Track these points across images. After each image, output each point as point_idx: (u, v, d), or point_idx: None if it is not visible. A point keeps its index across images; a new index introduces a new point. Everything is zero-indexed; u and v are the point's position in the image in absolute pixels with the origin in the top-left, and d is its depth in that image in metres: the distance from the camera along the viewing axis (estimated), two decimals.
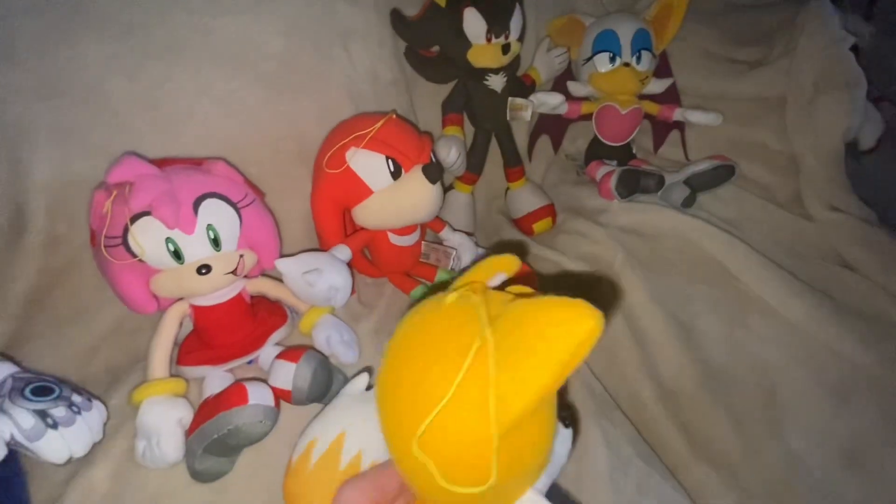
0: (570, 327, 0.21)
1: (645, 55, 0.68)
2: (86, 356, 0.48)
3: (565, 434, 0.33)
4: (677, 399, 0.52)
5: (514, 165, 0.71)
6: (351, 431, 0.35)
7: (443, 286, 0.30)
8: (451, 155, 0.58)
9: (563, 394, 0.47)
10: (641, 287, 0.56)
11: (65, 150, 0.47)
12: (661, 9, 0.69)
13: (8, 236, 0.47)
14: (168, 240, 0.40)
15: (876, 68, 0.66)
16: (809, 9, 0.68)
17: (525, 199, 0.70)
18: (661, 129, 0.74)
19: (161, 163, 0.43)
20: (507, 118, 0.67)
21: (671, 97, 0.72)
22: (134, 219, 0.39)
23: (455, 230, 0.61)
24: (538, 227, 0.69)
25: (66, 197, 0.47)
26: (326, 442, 0.35)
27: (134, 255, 0.40)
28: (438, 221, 0.59)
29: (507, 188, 0.72)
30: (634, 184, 0.65)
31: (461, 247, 0.58)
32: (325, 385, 0.42)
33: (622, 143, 0.71)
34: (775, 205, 0.66)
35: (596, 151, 0.73)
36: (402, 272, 0.57)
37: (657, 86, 0.71)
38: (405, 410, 0.24)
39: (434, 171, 0.48)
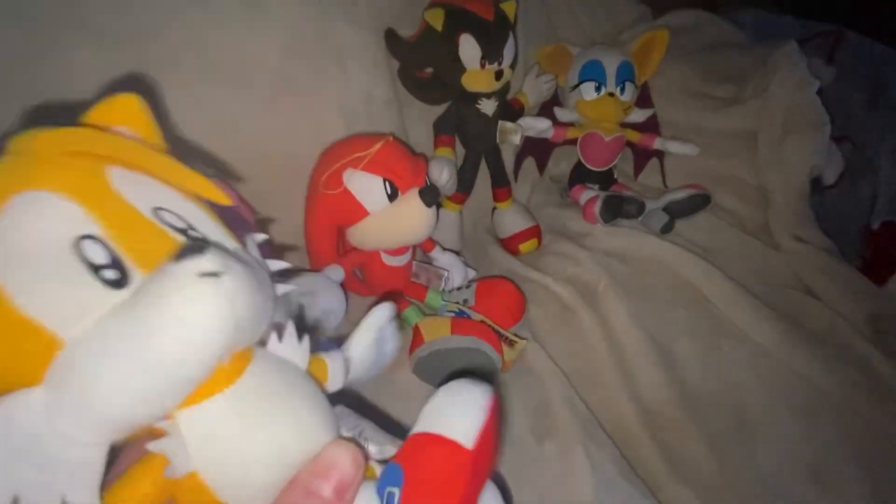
0: None
1: (628, 86, 0.71)
2: None
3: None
4: (656, 419, 0.54)
5: (501, 186, 0.72)
6: None
7: None
8: (444, 176, 0.59)
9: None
10: (624, 311, 0.58)
11: None
12: (643, 44, 0.73)
13: None
14: None
15: (836, 110, 0.71)
16: (780, 53, 0.73)
17: (512, 220, 0.71)
18: (642, 157, 0.77)
19: None
20: (497, 141, 0.68)
21: (652, 127, 0.76)
22: None
23: (445, 249, 0.61)
24: (525, 247, 0.70)
25: None
26: None
27: None
28: (429, 241, 0.60)
29: (495, 208, 0.74)
30: (617, 209, 0.68)
31: (452, 267, 0.59)
32: None
33: (605, 168, 0.74)
34: (746, 233, 0.70)
35: (579, 175, 0.75)
36: (393, 292, 0.57)
37: (639, 115, 0.74)
38: None
39: (430, 195, 0.49)
